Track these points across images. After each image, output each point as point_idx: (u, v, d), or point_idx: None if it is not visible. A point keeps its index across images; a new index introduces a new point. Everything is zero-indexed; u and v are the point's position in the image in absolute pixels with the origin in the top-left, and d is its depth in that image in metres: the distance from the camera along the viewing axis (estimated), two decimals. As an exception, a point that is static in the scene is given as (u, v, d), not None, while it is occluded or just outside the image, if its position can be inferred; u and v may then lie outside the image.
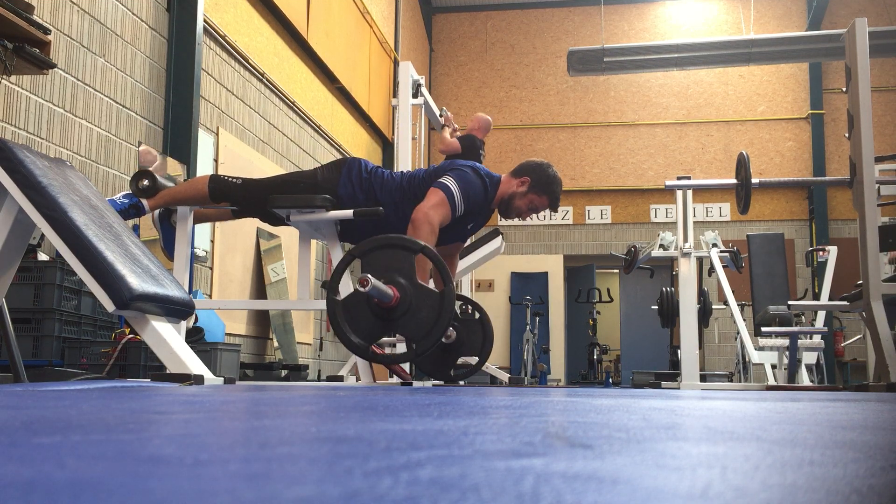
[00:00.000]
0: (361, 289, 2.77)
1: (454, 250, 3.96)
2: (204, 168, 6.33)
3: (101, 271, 2.64)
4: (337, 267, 3.13)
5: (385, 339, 5.91)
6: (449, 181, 3.47)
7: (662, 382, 8.03)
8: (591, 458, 0.64)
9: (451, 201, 3.42)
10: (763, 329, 7.11)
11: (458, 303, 4.46)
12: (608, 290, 12.37)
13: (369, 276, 2.77)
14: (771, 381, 7.27)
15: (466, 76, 14.10)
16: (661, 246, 7.55)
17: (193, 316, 4.69)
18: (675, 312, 8.20)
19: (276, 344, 7.64)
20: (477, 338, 4.14)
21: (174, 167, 5.84)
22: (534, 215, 3.82)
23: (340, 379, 4.50)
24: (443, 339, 4.26)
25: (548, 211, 3.80)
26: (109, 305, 2.64)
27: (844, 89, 5.36)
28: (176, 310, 2.94)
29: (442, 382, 4.74)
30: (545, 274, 13.31)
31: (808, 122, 13.16)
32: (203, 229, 6.38)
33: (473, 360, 4.27)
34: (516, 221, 12.94)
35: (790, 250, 12.37)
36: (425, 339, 3.00)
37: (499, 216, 3.84)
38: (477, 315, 4.25)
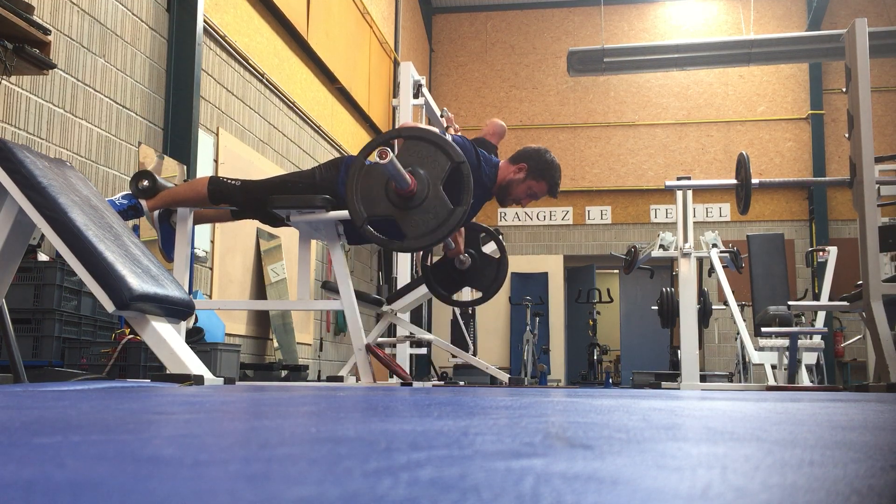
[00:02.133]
0: (380, 160, 2.78)
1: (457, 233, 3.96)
2: (204, 168, 6.33)
3: (101, 272, 2.64)
4: (380, 136, 3.15)
5: (384, 339, 5.92)
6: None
7: (662, 383, 8.03)
8: (591, 458, 0.64)
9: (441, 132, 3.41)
10: (763, 329, 7.11)
11: (482, 234, 4.49)
12: (608, 290, 12.37)
13: (390, 151, 2.79)
14: (771, 382, 7.27)
15: (466, 76, 14.10)
16: (661, 246, 7.55)
17: (193, 316, 4.69)
18: (675, 313, 8.20)
19: (276, 344, 7.64)
20: (489, 274, 4.17)
21: (174, 168, 5.84)
22: (534, 215, 3.82)
23: (340, 379, 4.50)
24: (456, 264, 4.29)
25: (548, 210, 3.79)
26: (109, 306, 2.64)
27: (844, 89, 5.36)
28: (176, 310, 2.94)
29: (439, 380, 4.75)
30: (545, 274, 13.32)
31: (808, 122, 13.16)
32: (203, 230, 6.38)
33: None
34: (516, 221, 12.97)
35: (790, 251, 12.37)
36: (416, 239, 3.03)
37: (499, 214, 3.84)
38: (495, 250, 4.28)
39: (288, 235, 7.85)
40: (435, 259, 4.59)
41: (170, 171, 5.78)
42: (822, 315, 8.98)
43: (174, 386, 2.60)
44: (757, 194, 11.60)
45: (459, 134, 6.67)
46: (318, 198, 3.51)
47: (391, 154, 2.78)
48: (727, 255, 7.68)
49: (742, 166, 5.80)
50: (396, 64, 11.31)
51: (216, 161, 6.66)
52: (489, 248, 4.55)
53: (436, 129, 3.15)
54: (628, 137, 13.54)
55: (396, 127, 3.26)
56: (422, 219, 3.01)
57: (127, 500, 0.41)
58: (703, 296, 9.00)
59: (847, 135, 5.31)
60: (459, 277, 4.23)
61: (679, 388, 6.59)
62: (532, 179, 3.67)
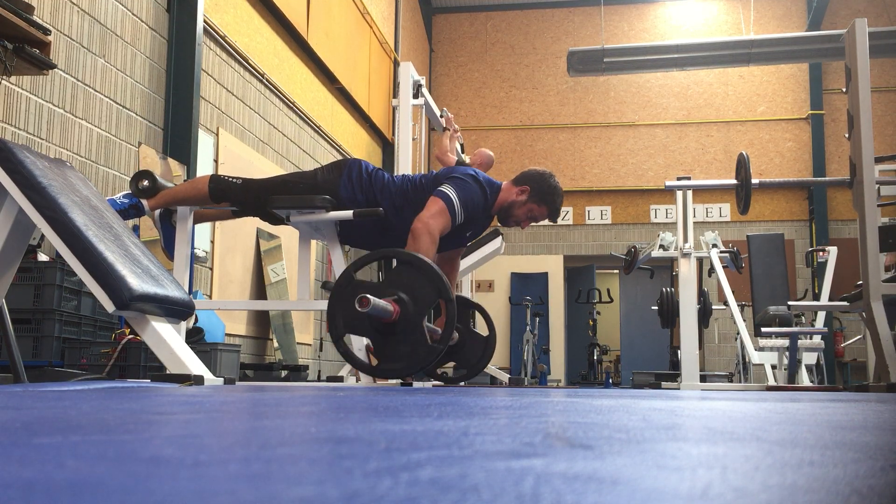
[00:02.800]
0: (360, 309, 2.77)
1: (454, 255, 3.96)
2: (204, 168, 6.32)
3: (101, 272, 2.64)
4: (375, 253, 3.14)
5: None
6: (449, 190, 3.45)
7: (662, 383, 8.03)
8: (591, 458, 0.64)
9: (451, 210, 3.41)
10: (763, 329, 7.11)
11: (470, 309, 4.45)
12: (608, 290, 12.37)
13: (371, 298, 2.78)
14: (771, 382, 7.27)
15: (466, 77, 14.10)
16: (661, 246, 7.55)
17: (193, 316, 4.69)
18: (675, 313, 8.20)
19: (276, 344, 7.64)
20: (475, 352, 4.11)
21: (174, 168, 5.84)
22: (533, 216, 3.81)
23: (340, 379, 4.50)
24: None
25: (546, 219, 3.79)
26: (109, 306, 2.64)
27: (844, 90, 5.36)
28: (176, 310, 2.94)
29: (439, 379, 4.74)
30: (545, 274, 13.31)
31: (808, 122, 13.16)
32: (203, 230, 6.38)
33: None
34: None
35: (790, 251, 12.37)
36: (386, 366, 3.02)
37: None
38: (486, 332, 4.22)
39: (288, 235, 7.85)
40: None
41: (174, 172, 5.78)
42: (822, 315, 8.98)
43: (174, 386, 2.60)
44: (757, 194, 11.60)
45: (459, 138, 6.63)
46: (319, 198, 3.51)
47: (371, 301, 2.77)
48: (727, 255, 7.69)
49: (742, 166, 5.80)
50: (396, 64, 11.31)
51: (216, 161, 6.66)
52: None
53: (431, 262, 3.11)
54: (628, 137, 13.54)
55: (412, 248, 3.23)
56: (397, 349, 2.99)
57: (127, 501, 0.41)
58: (703, 296, 9.00)
59: (847, 135, 5.31)
60: (447, 353, 4.12)
61: (679, 389, 6.59)
62: (534, 203, 3.67)
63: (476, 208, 3.54)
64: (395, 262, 3.29)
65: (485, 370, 5.93)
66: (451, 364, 4.40)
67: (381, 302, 2.85)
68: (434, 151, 6.74)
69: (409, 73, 6.15)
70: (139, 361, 4.14)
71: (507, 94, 13.92)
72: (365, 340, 3.73)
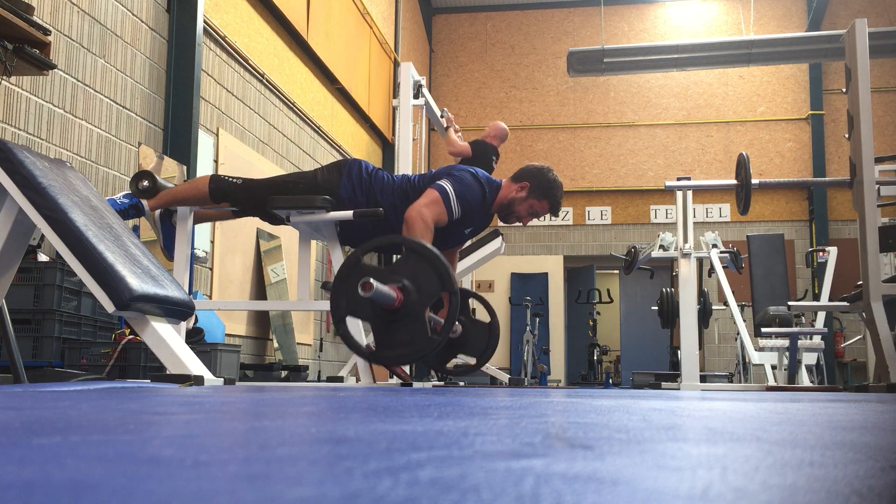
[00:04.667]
0: (363, 293, 2.76)
1: (452, 254, 3.96)
2: (204, 169, 6.33)
3: (101, 272, 2.64)
4: (382, 238, 3.13)
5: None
6: (445, 183, 3.47)
7: (662, 383, 8.03)
8: (591, 458, 0.64)
9: (446, 201, 3.42)
10: (763, 330, 7.11)
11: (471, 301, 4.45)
12: (608, 290, 12.37)
13: (374, 283, 2.77)
14: (771, 382, 7.27)
15: (466, 77, 14.10)
16: (661, 247, 7.55)
17: (193, 317, 4.69)
18: (675, 313, 8.20)
19: (276, 345, 7.64)
20: (481, 340, 4.13)
21: (174, 168, 5.84)
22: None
23: (340, 380, 4.50)
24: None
25: (547, 213, 3.80)
26: (109, 306, 2.64)
27: (844, 90, 5.36)
28: (176, 310, 2.94)
29: (439, 380, 4.74)
30: (545, 275, 13.32)
31: (808, 122, 13.16)
32: (203, 230, 6.38)
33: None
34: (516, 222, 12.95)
35: (790, 251, 12.37)
36: (383, 352, 3.02)
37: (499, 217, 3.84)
38: (488, 319, 4.24)
39: (288, 236, 7.85)
40: None
41: (169, 172, 5.78)
42: (822, 315, 8.98)
43: (174, 386, 2.60)
44: (757, 195, 11.60)
45: (482, 141, 6.66)
46: (319, 198, 3.51)
47: (374, 286, 2.77)
48: (727, 255, 7.69)
49: (742, 167, 5.80)
50: (396, 64, 11.31)
51: (216, 161, 6.67)
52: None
53: (438, 253, 3.11)
54: (628, 138, 13.55)
55: (416, 218, 3.24)
56: (397, 337, 2.98)
57: (127, 501, 0.41)
58: (703, 296, 9.00)
59: (847, 135, 5.31)
60: (451, 346, 4.14)
61: (679, 389, 6.59)
62: (534, 198, 3.67)
63: (474, 203, 3.54)
64: (394, 255, 3.28)
65: (485, 370, 5.92)
66: (453, 363, 4.39)
67: (385, 288, 2.85)
68: (447, 149, 6.76)
69: (410, 73, 6.15)
70: (139, 362, 4.14)
71: (507, 94, 13.92)
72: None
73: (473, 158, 6.38)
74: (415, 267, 3.00)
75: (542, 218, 3.88)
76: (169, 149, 5.88)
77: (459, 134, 6.87)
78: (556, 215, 3.84)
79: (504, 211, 3.71)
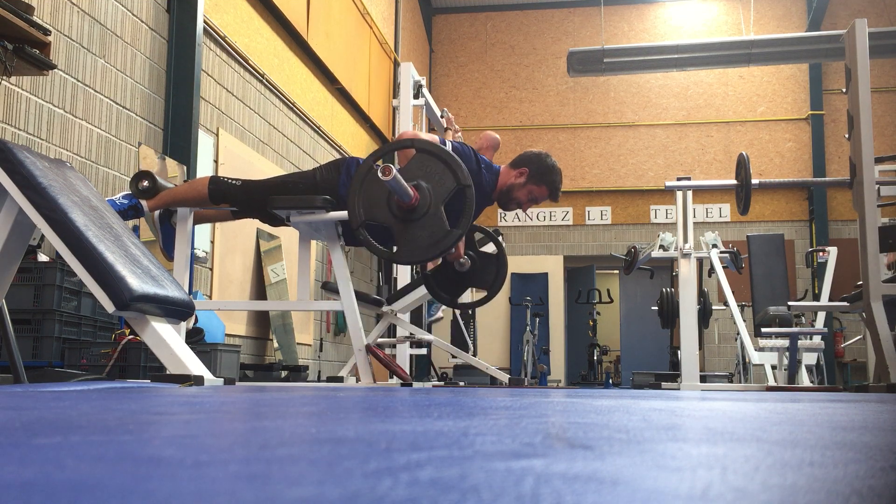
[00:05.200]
0: (382, 177, 2.78)
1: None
2: (204, 169, 6.33)
3: (101, 272, 2.64)
4: (393, 143, 3.16)
5: (384, 339, 5.92)
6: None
7: (662, 383, 8.03)
8: (591, 458, 0.64)
9: (441, 141, 3.42)
10: (763, 330, 7.11)
11: (478, 235, 4.50)
12: (608, 290, 12.36)
13: (394, 168, 2.79)
14: (771, 382, 7.27)
15: (466, 77, 14.10)
16: (661, 247, 7.55)
17: (193, 317, 4.69)
18: (675, 313, 8.20)
19: (276, 345, 7.64)
20: (490, 272, 4.18)
21: (173, 168, 5.84)
22: (534, 215, 3.82)
23: (340, 380, 4.50)
24: (456, 267, 4.32)
25: (548, 210, 3.80)
26: (109, 306, 2.64)
27: (844, 90, 5.36)
28: (176, 311, 2.94)
29: (439, 380, 4.75)
30: (545, 275, 13.32)
31: (808, 122, 13.16)
32: (203, 230, 6.38)
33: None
34: (516, 221, 12.98)
35: (790, 251, 12.37)
36: (406, 253, 3.04)
37: (499, 214, 3.84)
38: (494, 250, 4.29)
39: (288, 236, 7.85)
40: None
41: (170, 172, 5.78)
42: (822, 315, 8.98)
43: (174, 386, 2.60)
44: (757, 195, 11.60)
45: (460, 140, 6.73)
46: (319, 198, 3.52)
47: (394, 171, 2.79)
48: (727, 255, 7.68)
49: (742, 167, 5.80)
50: (396, 64, 11.31)
51: (216, 161, 6.67)
52: (487, 247, 4.57)
53: (434, 138, 3.17)
54: (628, 138, 13.55)
55: (412, 137, 3.26)
56: (417, 234, 3.03)
57: (127, 501, 0.41)
58: (703, 296, 9.00)
59: (847, 135, 5.31)
60: (461, 280, 4.24)
61: (679, 389, 6.59)
62: (533, 184, 3.68)
63: (466, 164, 3.55)
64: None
65: (485, 370, 5.93)
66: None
67: (402, 179, 2.88)
68: None
69: (410, 73, 6.15)
70: (139, 362, 4.14)
71: (507, 94, 13.92)
72: (365, 341, 3.73)
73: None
74: (426, 166, 3.04)
75: (541, 216, 3.88)
76: (169, 149, 5.88)
77: (459, 134, 6.90)
78: (556, 200, 3.85)
79: (504, 198, 3.72)
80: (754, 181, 5.72)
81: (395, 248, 3.19)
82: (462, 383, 8.91)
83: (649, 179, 13.31)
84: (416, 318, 10.17)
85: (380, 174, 2.78)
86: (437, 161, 3.08)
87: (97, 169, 5.14)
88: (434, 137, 6.56)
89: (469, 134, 13.34)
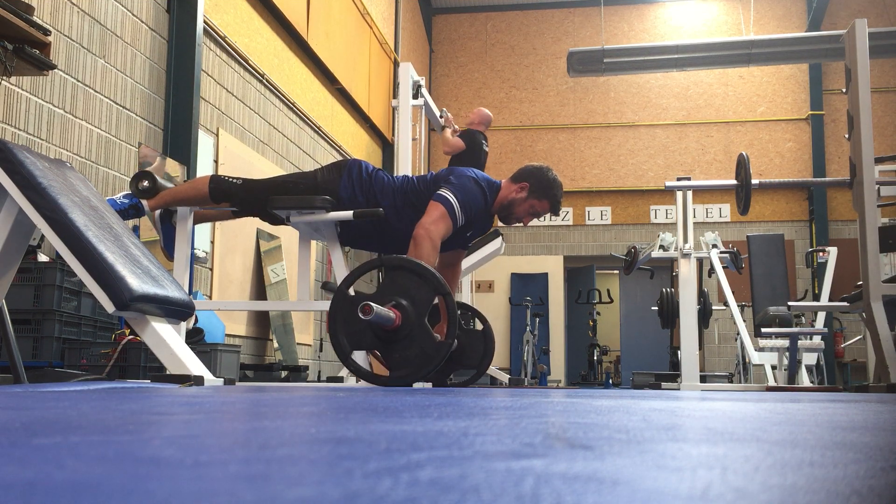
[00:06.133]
0: (363, 317, 2.77)
1: (456, 258, 3.95)
2: (204, 169, 6.33)
3: (101, 272, 2.64)
4: (362, 266, 3.16)
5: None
6: (448, 193, 3.45)
7: (662, 383, 8.03)
8: (591, 459, 0.64)
9: (452, 214, 3.42)
10: (763, 330, 7.11)
11: (463, 312, 4.46)
12: (608, 290, 12.37)
13: (373, 306, 2.78)
14: (771, 382, 7.27)
15: (466, 77, 14.11)
16: (661, 247, 7.55)
17: (193, 317, 4.69)
18: (675, 313, 8.20)
19: (276, 345, 7.64)
20: (478, 350, 4.12)
21: (174, 168, 5.84)
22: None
23: (340, 380, 4.50)
24: None
25: (548, 213, 3.80)
26: (109, 306, 2.64)
27: (844, 90, 5.36)
28: (176, 311, 2.94)
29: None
30: (545, 275, 13.32)
31: (808, 122, 13.16)
32: (203, 230, 6.38)
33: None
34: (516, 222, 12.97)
35: (790, 251, 12.38)
36: (400, 375, 3.03)
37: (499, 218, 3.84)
38: (480, 327, 4.23)
39: (288, 236, 7.85)
40: None
41: (171, 172, 5.78)
42: (822, 315, 8.98)
43: (174, 387, 2.60)
44: (757, 195, 11.60)
45: (470, 130, 6.84)
46: (319, 199, 3.51)
47: (374, 308, 2.78)
48: (727, 255, 7.68)
49: (742, 167, 5.80)
50: (396, 64, 11.31)
51: (216, 162, 6.67)
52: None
53: (420, 261, 3.12)
54: (628, 138, 13.55)
55: (381, 257, 3.27)
56: (407, 354, 3.00)
57: (127, 501, 0.41)
58: (703, 296, 9.00)
59: (847, 135, 5.31)
60: (450, 360, 4.14)
61: (679, 389, 6.59)
62: (534, 198, 3.67)
63: (476, 209, 3.55)
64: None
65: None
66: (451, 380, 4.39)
67: (383, 308, 2.86)
68: (443, 149, 7.05)
69: (409, 73, 6.16)
70: (139, 362, 4.14)
71: (507, 94, 13.92)
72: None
73: (466, 150, 6.66)
74: (401, 282, 3.01)
75: (542, 218, 3.89)
76: (169, 149, 5.88)
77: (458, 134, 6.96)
78: (557, 214, 3.84)
79: (504, 212, 3.71)
80: (754, 181, 5.72)
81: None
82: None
83: (649, 179, 13.31)
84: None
85: (360, 316, 2.78)
86: (410, 274, 3.05)
87: (97, 169, 5.14)
88: (456, 142, 6.63)
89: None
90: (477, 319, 4.35)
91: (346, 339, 3.04)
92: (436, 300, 3.14)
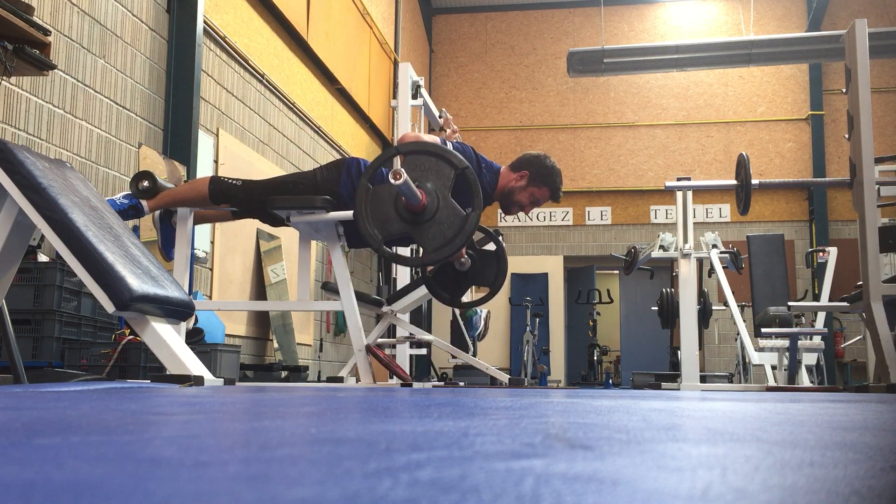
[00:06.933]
0: (394, 181, 2.81)
1: None
2: (204, 169, 6.33)
3: (101, 272, 2.64)
4: (379, 156, 3.21)
5: (384, 339, 5.92)
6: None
7: (662, 383, 8.03)
8: (591, 459, 0.64)
9: (441, 141, 3.43)
10: (763, 330, 7.10)
11: (478, 234, 4.54)
12: (608, 291, 12.36)
13: (403, 171, 2.82)
14: (771, 382, 7.27)
15: (466, 77, 14.11)
16: (661, 247, 7.55)
17: (193, 317, 4.69)
18: (675, 313, 8.20)
19: (276, 345, 7.64)
20: (491, 270, 4.20)
21: (174, 169, 5.83)
22: (534, 216, 3.84)
23: (340, 380, 4.50)
24: (457, 267, 4.34)
25: (548, 211, 3.82)
26: (109, 306, 2.64)
27: (844, 90, 5.36)
28: (176, 311, 2.94)
29: (439, 380, 4.75)
30: (545, 275, 13.32)
31: (808, 123, 13.16)
32: (203, 230, 6.38)
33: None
34: (516, 221, 12.98)
35: (790, 251, 12.38)
36: (434, 252, 3.07)
37: (499, 215, 3.85)
38: (494, 247, 4.31)
39: (288, 236, 7.85)
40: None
41: (176, 171, 5.78)
42: (822, 316, 8.98)
43: (174, 387, 2.60)
44: (757, 195, 11.60)
45: (458, 139, 6.80)
46: (319, 199, 3.52)
47: (405, 174, 2.82)
48: (727, 255, 7.68)
49: (742, 167, 5.80)
50: (396, 64, 11.31)
51: (216, 162, 6.67)
52: (487, 245, 4.58)
53: (435, 139, 3.19)
54: (628, 138, 13.55)
55: (395, 144, 3.30)
56: (437, 231, 3.06)
57: (127, 501, 0.41)
58: (703, 296, 9.00)
59: (847, 135, 5.31)
60: (462, 279, 4.26)
61: (679, 389, 6.59)
62: (534, 186, 3.69)
63: (468, 161, 3.57)
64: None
65: (485, 371, 5.93)
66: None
67: (412, 184, 2.92)
68: None
69: (408, 73, 6.16)
70: (139, 362, 4.14)
71: (507, 94, 13.92)
72: (365, 341, 3.73)
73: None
74: (419, 165, 3.07)
75: (541, 217, 3.90)
76: (169, 149, 5.88)
77: (458, 135, 6.92)
78: (557, 201, 3.87)
79: (505, 200, 3.73)
80: (754, 181, 5.72)
81: (418, 251, 3.22)
82: (462, 383, 8.91)
83: (649, 180, 13.31)
84: (416, 318, 10.17)
85: (391, 179, 2.82)
86: (427, 157, 3.11)
87: (97, 169, 5.14)
88: (436, 139, 6.66)
89: (469, 134, 13.36)
90: (491, 241, 4.45)
91: (377, 229, 3.09)
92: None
